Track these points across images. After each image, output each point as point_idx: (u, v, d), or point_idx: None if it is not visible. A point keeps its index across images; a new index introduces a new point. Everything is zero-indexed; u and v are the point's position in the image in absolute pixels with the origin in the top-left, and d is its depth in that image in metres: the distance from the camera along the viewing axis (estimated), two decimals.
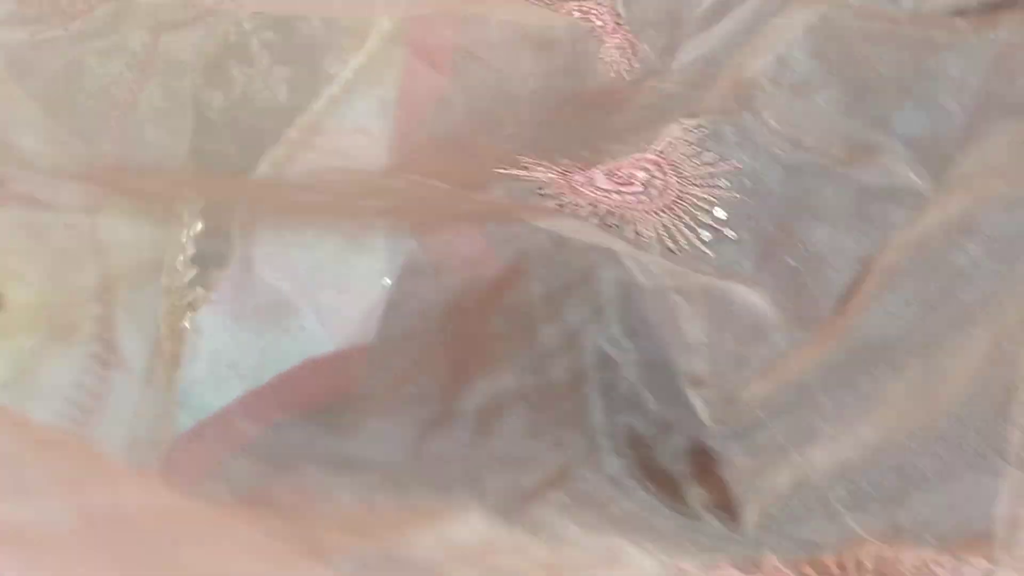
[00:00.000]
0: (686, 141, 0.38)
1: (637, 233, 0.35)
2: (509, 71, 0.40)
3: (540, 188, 0.35)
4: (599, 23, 0.44)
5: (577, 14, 0.44)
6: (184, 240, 0.30)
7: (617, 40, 0.45)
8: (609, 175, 0.38)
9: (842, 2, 0.44)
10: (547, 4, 0.45)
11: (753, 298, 0.34)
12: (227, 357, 0.30)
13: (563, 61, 0.42)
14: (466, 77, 0.39)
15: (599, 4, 0.45)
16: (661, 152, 0.38)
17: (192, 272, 0.31)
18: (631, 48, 0.46)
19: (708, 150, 0.38)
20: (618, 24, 0.46)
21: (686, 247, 0.36)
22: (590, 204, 0.36)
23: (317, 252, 0.31)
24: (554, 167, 0.38)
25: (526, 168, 0.38)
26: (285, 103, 0.32)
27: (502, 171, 0.37)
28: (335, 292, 0.32)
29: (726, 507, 0.31)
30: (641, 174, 0.37)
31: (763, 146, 0.37)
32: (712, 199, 0.37)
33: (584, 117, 0.43)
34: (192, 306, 0.31)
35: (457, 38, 0.39)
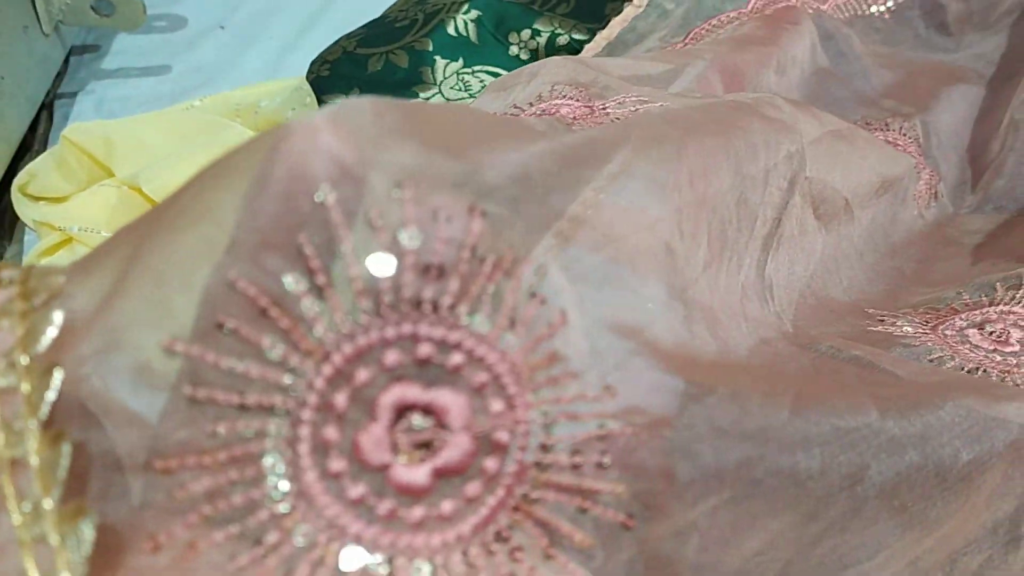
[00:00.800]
0: None
1: None
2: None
3: (929, 353, 0.33)
4: (914, 159, 0.42)
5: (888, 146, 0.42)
6: None
7: (926, 176, 0.43)
8: (981, 330, 0.35)
9: None
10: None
11: None
12: None
13: (890, 201, 0.40)
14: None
15: (904, 135, 0.43)
16: None
17: None
18: (934, 184, 0.44)
19: None
20: (922, 157, 0.44)
21: None
22: (978, 368, 0.34)
23: None
24: (912, 317, 0.36)
25: (883, 321, 0.36)
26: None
27: (874, 328, 0.35)
28: None
29: None
30: (1017, 332, 0.35)
31: None
32: None
33: (900, 259, 0.40)
34: None
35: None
